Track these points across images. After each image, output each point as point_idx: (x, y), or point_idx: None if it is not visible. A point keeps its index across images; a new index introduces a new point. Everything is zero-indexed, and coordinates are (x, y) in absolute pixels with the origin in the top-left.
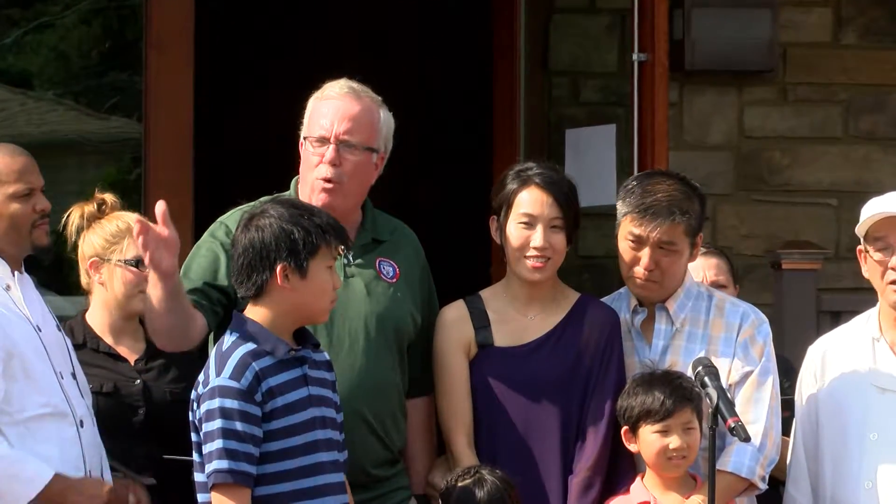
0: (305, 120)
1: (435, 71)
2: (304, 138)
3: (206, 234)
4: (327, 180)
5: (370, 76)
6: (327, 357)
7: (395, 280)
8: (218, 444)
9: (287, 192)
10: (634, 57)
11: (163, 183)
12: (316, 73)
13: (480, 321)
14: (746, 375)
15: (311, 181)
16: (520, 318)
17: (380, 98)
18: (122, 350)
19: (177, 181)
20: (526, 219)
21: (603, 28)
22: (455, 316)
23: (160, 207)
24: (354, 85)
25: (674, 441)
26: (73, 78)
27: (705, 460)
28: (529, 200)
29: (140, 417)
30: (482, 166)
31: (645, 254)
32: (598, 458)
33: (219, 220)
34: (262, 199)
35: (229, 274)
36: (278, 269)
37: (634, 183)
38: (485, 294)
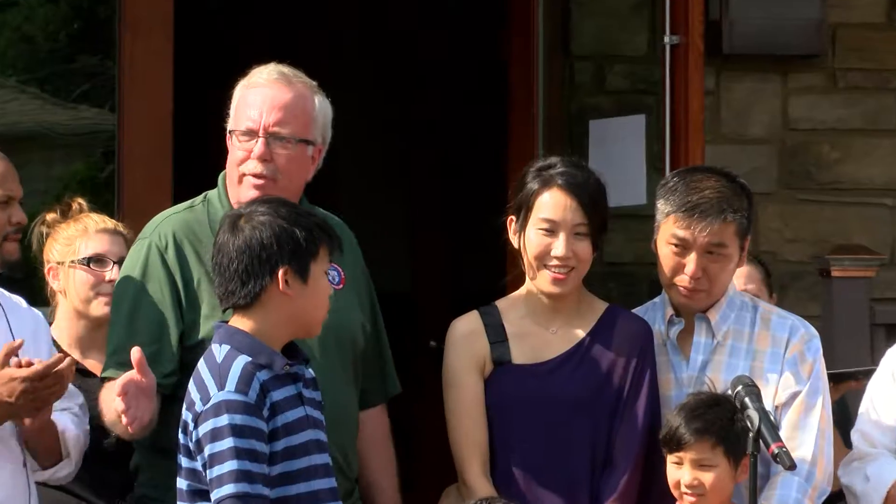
0: (231, 110)
1: (442, 56)
2: (230, 132)
3: (135, 272)
4: (257, 176)
5: (369, 60)
6: (313, 374)
7: (341, 286)
8: (231, 465)
9: (214, 191)
10: (666, 39)
11: (139, 181)
12: (311, 68)
13: (496, 335)
14: (794, 396)
15: (237, 177)
16: (541, 331)
17: (314, 83)
18: (91, 364)
19: (155, 179)
20: (547, 225)
21: (631, 7)
22: (468, 329)
23: (136, 355)
24: (285, 69)
25: (684, 476)
26: (38, 63)
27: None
28: (551, 204)
29: (112, 440)
30: (496, 162)
31: (691, 259)
32: (628, 488)
33: (142, 241)
34: (192, 200)
35: (179, 319)
36: (280, 273)
37: (676, 179)
38: (501, 305)
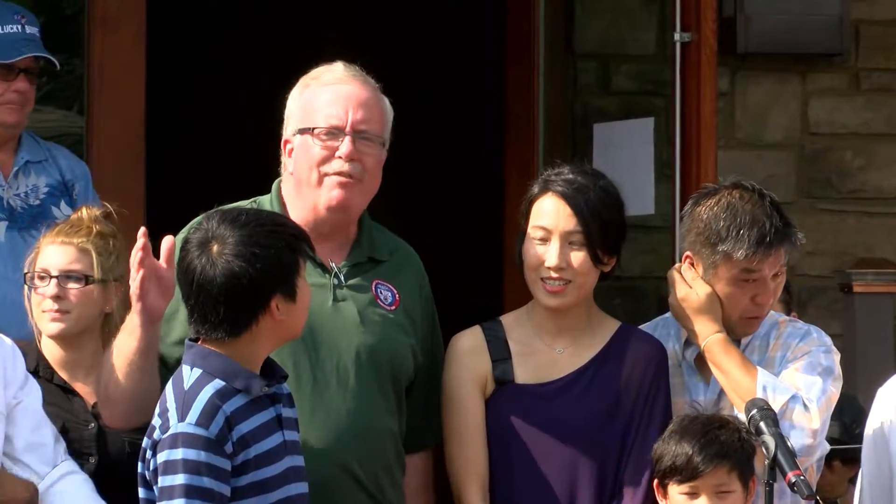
0: (297, 110)
1: (435, 53)
2: (303, 131)
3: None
4: (344, 175)
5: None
6: (288, 389)
7: (394, 307)
8: (179, 503)
9: (266, 197)
10: (676, 37)
11: (109, 188)
12: (288, 65)
13: (499, 352)
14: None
15: (317, 178)
16: (547, 350)
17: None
18: (80, 387)
19: (126, 186)
20: (541, 233)
21: (639, 2)
22: (469, 345)
23: (167, 243)
24: (356, 68)
25: None
26: None
27: None
28: (545, 211)
29: (91, 467)
30: (492, 170)
31: (764, 288)
32: None
33: (179, 237)
34: (238, 203)
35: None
36: (273, 303)
37: (716, 210)
38: (506, 320)
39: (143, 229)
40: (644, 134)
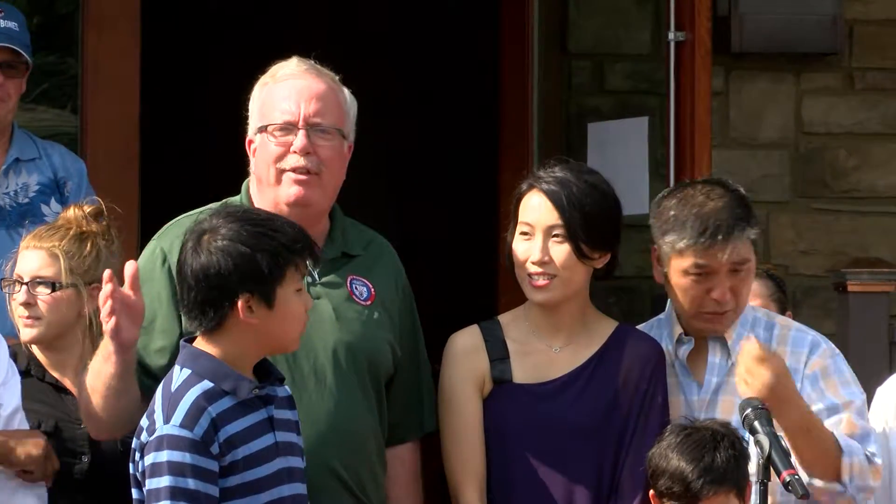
0: (256, 108)
1: (431, 53)
2: (261, 129)
3: (142, 272)
4: (300, 170)
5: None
6: (289, 392)
7: (369, 302)
8: None
9: (237, 198)
10: (671, 36)
11: (103, 188)
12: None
13: (497, 352)
14: (827, 413)
15: (275, 176)
16: (544, 349)
17: (337, 76)
18: (68, 384)
19: (120, 186)
20: (525, 228)
21: (633, 1)
22: (467, 344)
23: (129, 269)
24: (310, 62)
25: None
26: None
27: None
28: (530, 207)
29: (83, 466)
30: (488, 168)
31: (718, 284)
32: None
33: (153, 242)
34: (209, 206)
35: (176, 322)
36: (240, 302)
37: (673, 211)
38: (504, 319)
39: (108, 272)
40: (638, 133)
